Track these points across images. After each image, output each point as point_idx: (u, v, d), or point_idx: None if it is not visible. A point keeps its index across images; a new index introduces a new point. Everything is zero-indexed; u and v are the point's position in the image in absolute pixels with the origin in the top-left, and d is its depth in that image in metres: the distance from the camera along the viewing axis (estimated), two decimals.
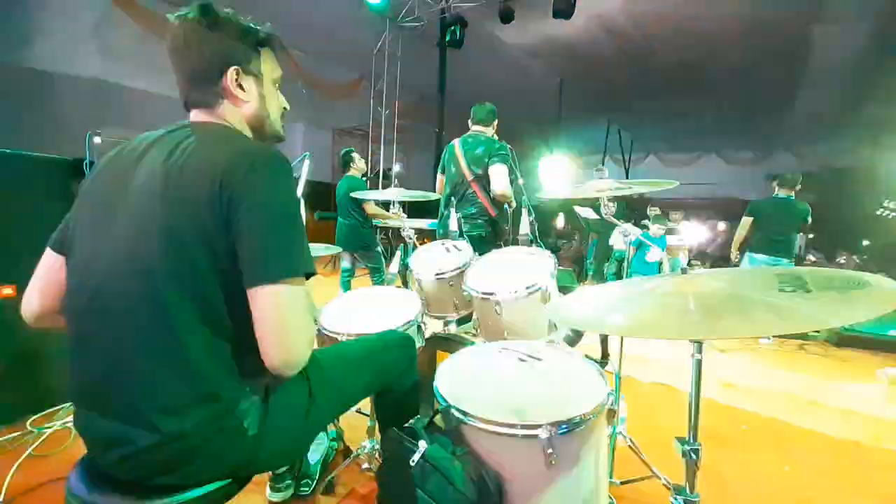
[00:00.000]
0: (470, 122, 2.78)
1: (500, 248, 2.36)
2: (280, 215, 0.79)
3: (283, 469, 1.55)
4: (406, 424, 1.07)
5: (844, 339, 4.01)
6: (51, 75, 6.22)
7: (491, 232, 2.67)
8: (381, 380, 1.16)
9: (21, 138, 5.15)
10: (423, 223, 3.25)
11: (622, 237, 1.75)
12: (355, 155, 4.02)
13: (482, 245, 2.53)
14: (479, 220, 2.65)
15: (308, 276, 0.81)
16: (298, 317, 0.78)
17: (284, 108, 1.03)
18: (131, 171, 0.81)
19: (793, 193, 4.07)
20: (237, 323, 0.79)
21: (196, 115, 0.91)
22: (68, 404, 2.05)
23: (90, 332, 0.79)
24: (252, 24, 0.91)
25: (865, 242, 9.63)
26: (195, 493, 0.79)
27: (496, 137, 2.74)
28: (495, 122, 2.76)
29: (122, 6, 5.93)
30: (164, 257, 0.75)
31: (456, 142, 2.75)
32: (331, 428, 1.83)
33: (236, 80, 0.89)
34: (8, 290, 1.94)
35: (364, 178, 3.99)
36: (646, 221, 5.68)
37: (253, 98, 0.93)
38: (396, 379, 1.20)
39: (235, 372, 0.80)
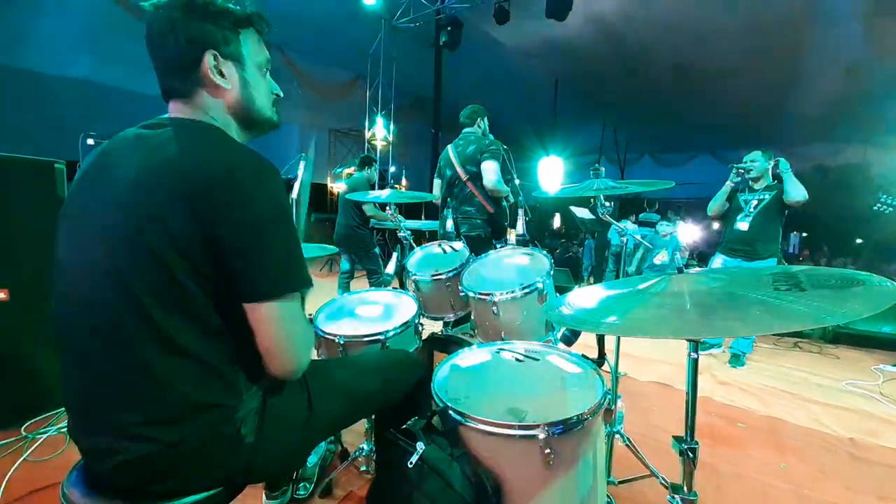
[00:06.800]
0: (460, 127, 2.84)
1: (500, 247, 2.37)
2: (268, 228, 0.74)
3: None
4: (403, 426, 1.06)
5: (839, 337, 4.04)
6: (43, 77, 6.18)
7: (490, 231, 2.68)
8: (384, 401, 1.13)
9: (13, 140, 5.13)
10: (420, 224, 3.25)
11: (619, 235, 1.77)
12: (376, 166, 4.15)
13: (481, 246, 2.54)
14: (478, 220, 2.66)
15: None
16: (297, 329, 0.79)
17: (276, 95, 0.95)
18: (108, 175, 0.77)
19: None
20: (227, 332, 0.77)
21: (175, 108, 0.85)
22: (63, 409, 2.03)
23: (74, 343, 0.77)
24: (230, 5, 0.84)
25: (858, 241, 9.72)
26: (188, 499, 0.78)
27: (490, 136, 2.77)
28: (481, 120, 2.79)
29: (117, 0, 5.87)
30: (139, 267, 0.71)
31: (449, 146, 2.79)
32: None
33: (215, 65, 0.83)
34: (1, 295, 1.93)
35: (372, 185, 4.04)
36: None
37: (234, 84, 0.86)
38: (399, 401, 1.15)
39: (230, 380, 0.79)
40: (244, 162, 0.76)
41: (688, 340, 0.89)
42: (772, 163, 3.17)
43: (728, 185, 3.31)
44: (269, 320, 0.76)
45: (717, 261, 3.42)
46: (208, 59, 0.82)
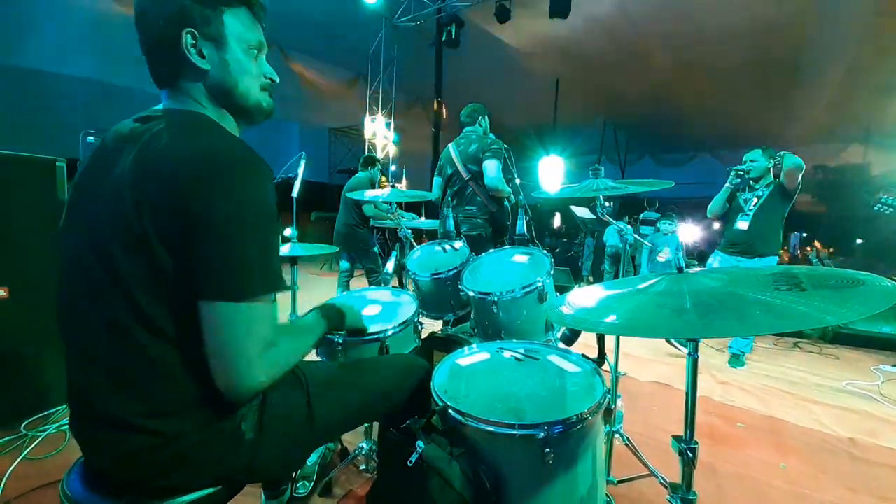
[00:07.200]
0: (460, 126, 2.83)
1: (502, 245, 2.37)
2: (232, 226, 0.70)
3: None
4: (403, 425, 1.06)
5: (839, 337, 4.04)
6: (44, 75, 6.18)
7: (491, 231, 2.69)
8: (386, 409, 1.11)
9: (14, 138, 5.13)
10: (420, 223, 3.25)
11: (619, 236, 1.77)
12: (379, 166, 4.10)
13: (482, 245, 2.54)
14: (479, 219, 2.66)
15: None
16: (245, 341, 0.71)
17: (270, 79, 0.90)
18: (105, 171, 0.77)
19: None
20: None
21: (166, 98, 0.84)
22: (63, 407, 2.04)
23: (76, 337, 0.78)
24: None
25: (859, 241, 9.72)
26: (187, 497, 0.78)
27: (491, 135, 2.77)
28: (482, 119, 2.79)
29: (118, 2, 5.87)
30: (132, 264, 0.71)
31: (450, 144, 2.79)
32: None
33: (193, 44, 0.78)
34: (1, 293, 1.93)
35: (373, 184, 4.00)
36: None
37: (214, 66, 0.81)
38: (403, 406, 1.12)
39: None
40: (226, 153, 0.74)
41: (687, 340, 0.89)
42: (773, 161, 3.10)
43: (727, 186, 3.27)
44: (211, 324, 0.70)
45: (716, 260, 3.41)
46: (186, 37, 0.77)
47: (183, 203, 0.69)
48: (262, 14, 0.87)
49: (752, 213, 3.18)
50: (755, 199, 3.20)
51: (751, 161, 3.18)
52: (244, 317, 0.71)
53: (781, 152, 3.03)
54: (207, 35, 0.80)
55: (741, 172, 3.18)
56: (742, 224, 3.21)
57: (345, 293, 1.88)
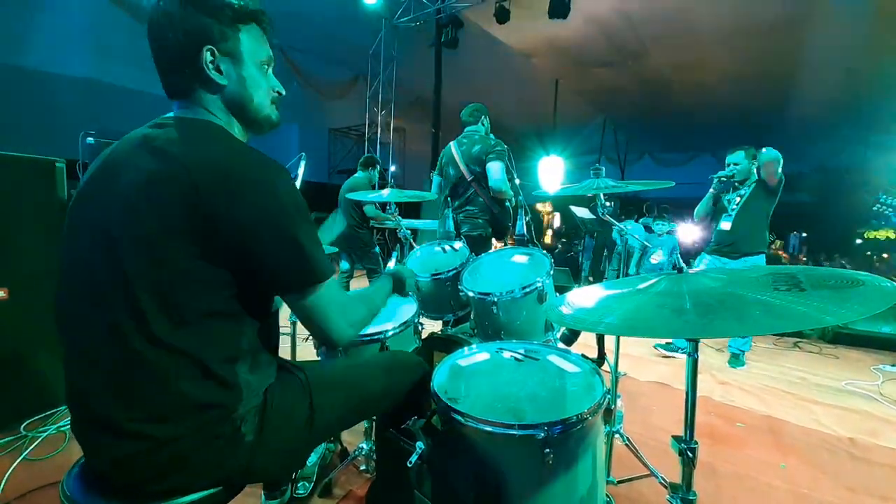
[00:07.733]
0: (461, 126, 2.82)
1: (502, 246, 2.37)
2: (294, 220, 0.77)
3: None
4: (403, 425, 1.06)
5: (838, 337, 4.04)
6: (43, 75, 6.18)
7: (492, 231, 2.68)
8: (387, 404, 1.11)
9: (13, 139, 5.13)
10: (420, 223, 3.25)
11: (620, 237, 1.77)
12: (379, 168, 4.09)
13: (482, 245, 2.54)
14: (480, 220, 2.66)
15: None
16: (330, 317, 0.84)
17: (278, 93, 0.93)
18: (116, 176, 0.78)
19: None
20: (230, 331, 0.78)
21: (179, 108, 0.85)
22: (63, 407, 2.04)
23: (73, 340, 0.78)
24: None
25: (858, 241, 9.74)
26: (187, 499, 0.78)
27: (492, 136, 2.76)
28: (484, 119, 2.78)
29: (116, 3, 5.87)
30: (143, 268, 0.72)
31: (452, 144, 2.77)
32: None
33: (212, 61, 0.81)
34: (1, 294, 1.93)
35: (373, 186, 3.98)
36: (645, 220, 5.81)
37: (231, 81, 0.84)
38: (402, 403, 1.13)
39: (231, 381, 0.78)
40: (251, 159, 0.77)
41: (687, 340, 0.89)
42: (756, 163, 3.08)
43: (711, 192, 3.25)
44: (308, 312, 0.82)
45: (703, 262, 3.40)
46: (205, 54, 0.80)
47: (218, 209, 0.71)
48: (270, 29, 0.90)
49: (734, 214, 3.17)
50: (738, 199, 3.19)
51: (734, 165, 3.14)
52: (323, 299, 0.83)
53: (759, 152, 3.02)
54: (225, 51, 0.83)
55: (724, 179, 3.15)
56: (725, 224, 3.20)
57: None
